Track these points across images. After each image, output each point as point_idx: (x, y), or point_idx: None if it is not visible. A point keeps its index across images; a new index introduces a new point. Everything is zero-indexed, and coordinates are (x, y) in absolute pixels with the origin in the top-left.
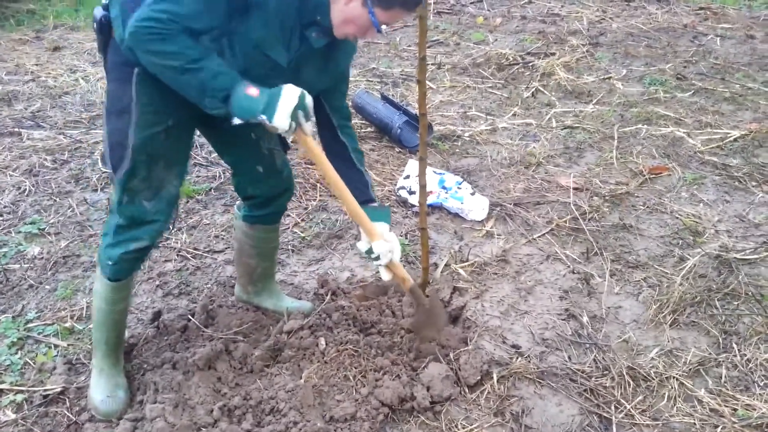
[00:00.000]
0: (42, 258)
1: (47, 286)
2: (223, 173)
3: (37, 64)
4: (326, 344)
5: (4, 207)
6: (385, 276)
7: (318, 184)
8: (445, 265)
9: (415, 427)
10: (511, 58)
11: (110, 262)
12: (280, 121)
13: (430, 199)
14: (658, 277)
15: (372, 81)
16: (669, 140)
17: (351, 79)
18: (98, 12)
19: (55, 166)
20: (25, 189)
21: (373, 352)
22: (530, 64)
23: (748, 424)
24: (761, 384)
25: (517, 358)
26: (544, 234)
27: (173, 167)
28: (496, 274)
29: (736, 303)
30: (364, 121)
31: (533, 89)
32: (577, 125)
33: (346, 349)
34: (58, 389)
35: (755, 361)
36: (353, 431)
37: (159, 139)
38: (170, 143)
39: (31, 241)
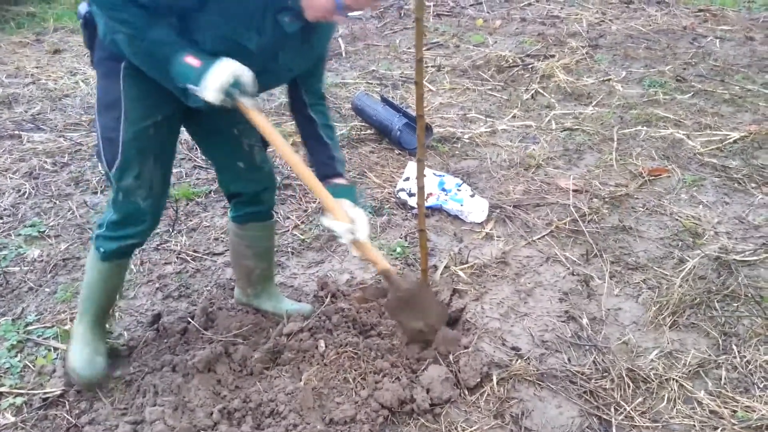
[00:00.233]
0: (42, 261)
1: (47, 289)
2: None
3: (37, 67)
4: (326, 346)
5: (4, 210)
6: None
7: None
8: (445, 267)
9: (415, 430)
10: (511, 60)
11: (102, 250)
12: (209, 93)
13: (430, 201)
14: (658, 278)
15: (372, 83)
16: (668, 142)
17: (351, 81)
18: (82, 8)
19: (55, 169)
20: (25, 192)
21: (373, 355)
22: (530, 66)
23: (747, 426)
24: (761, 386)
25: (517, 360)
26: (543, 236)
27: (161, 165)
28: (495, 276)
29: (735, 305)
30: (363, 124)
31: (533, 91)
32: (576, 127)
33: (346, 352)
34: (58, 392)
35: (755, 362)
36: None
37: (148, 133)
38: (159, 138)
39: (31, 243)
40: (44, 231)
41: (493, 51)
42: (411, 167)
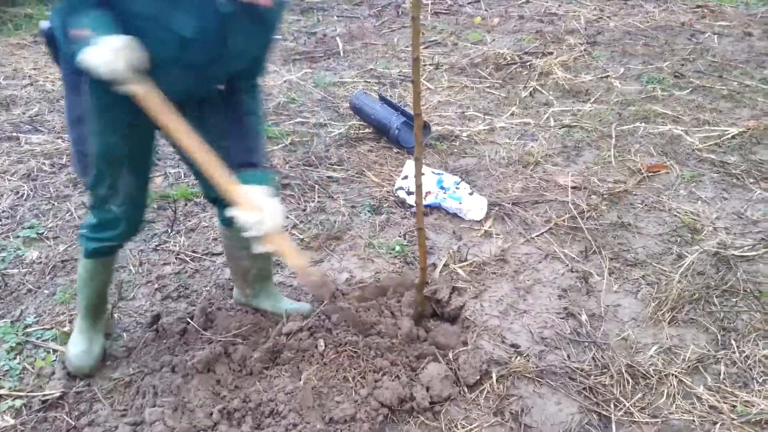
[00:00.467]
0: (40, 262)
1: (46, 291)
2: None
3: (35, 69)
4: (325, 346)
5: (3, 212)
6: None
7: (316, 186)
8: (444, 265)
9: (415, 428)
10: (509, 58)
11: (86, 248)
12: (96, 59)
13: (429, 200)
14: (657, 274)
15: (370, 82)
16: (667, 138)
17: (348, 80)
18: (44, 24)
19: (53, 171)
20: (24, 193)
21: (372, 353)
22: (528, 63)
23: (747, 421)
24: (760, 380)
25: (516, 357)
26: (542, 233)
27: (136, 172)
28: (494, 273)
29: (734, 300)
30: (362, 122)
31: (531, 89)
32: (575, 124)
33: (345, 351)
34: (57, 394)
35: (754, 357)
36: None
37: (117, 145)
38: (130, 148)
39: (29, 245)
40: (43, 233)
41: (491, 49)
42: (409, 166)
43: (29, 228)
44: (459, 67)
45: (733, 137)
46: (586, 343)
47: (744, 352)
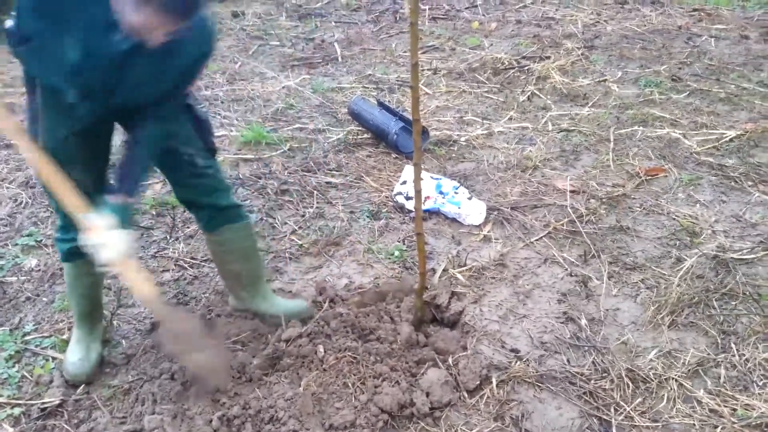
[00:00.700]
0: (39, 270)
1: (44, 299)
2: None
3: None
4: (325, 352)
5: (1, 219)
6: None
7: (315, 191)
8: (443, 270)
9: None
10: (507, 63)
11: (61, 251)
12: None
13: (428, 205)
14: (656, 278)
15: (368, 87)
16: (665, 141)
17: (347, 85)
18: (8, 23)
19: None
20: (22, 201)
21: (372, 359)
22: (526, 67)
23: (747, 424)
24: (760, 383)
25: (516, 362)
26: (541, 237)
27: (91, 171)
28: (494, 278)
29: (733, 303)
30: (360, 128)
31: (529, 93)
32: (573, 128)
33: (345, 357)
34: (56, 402)
35: (754, 360)
36: None
37: (68, 143)
38: (80, 147)
39: (28, 253)
40: (41, 240)
41: (488, 53)
42: (408, 171)
43: (28, 236)
44: (457, 72)
45: (730, 140)
46: (586, 348)
47: (744, 355)
